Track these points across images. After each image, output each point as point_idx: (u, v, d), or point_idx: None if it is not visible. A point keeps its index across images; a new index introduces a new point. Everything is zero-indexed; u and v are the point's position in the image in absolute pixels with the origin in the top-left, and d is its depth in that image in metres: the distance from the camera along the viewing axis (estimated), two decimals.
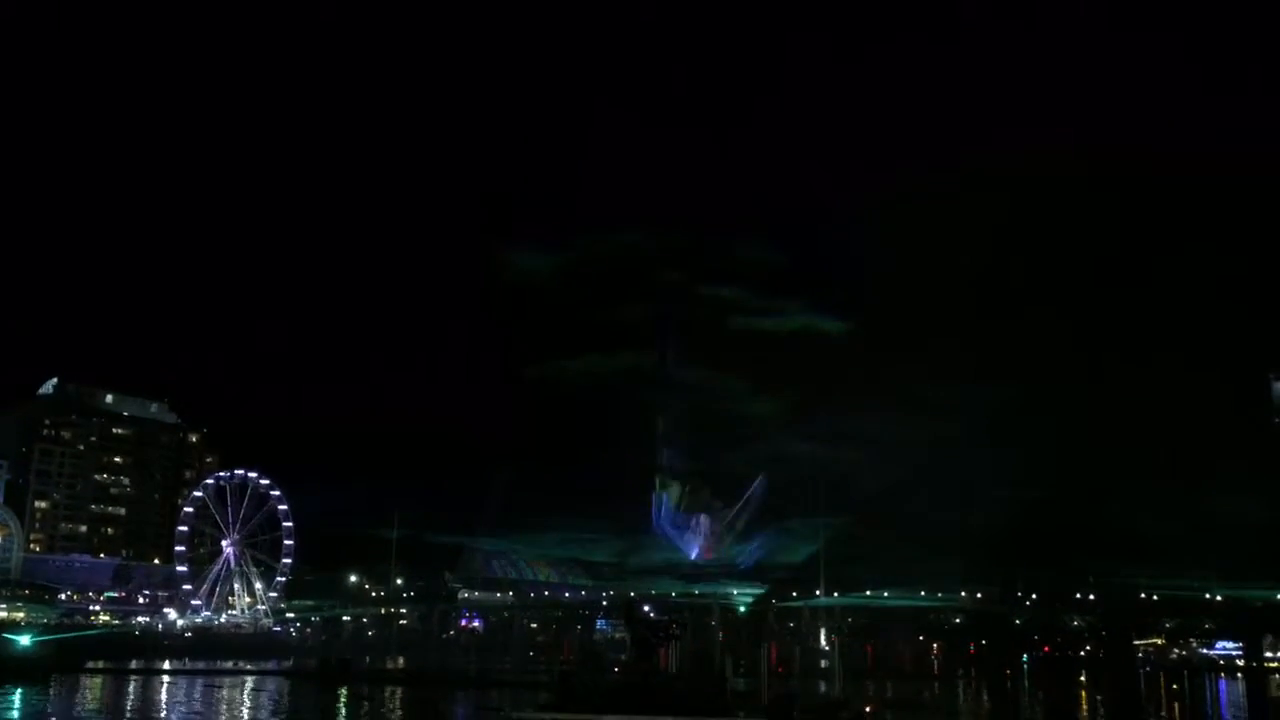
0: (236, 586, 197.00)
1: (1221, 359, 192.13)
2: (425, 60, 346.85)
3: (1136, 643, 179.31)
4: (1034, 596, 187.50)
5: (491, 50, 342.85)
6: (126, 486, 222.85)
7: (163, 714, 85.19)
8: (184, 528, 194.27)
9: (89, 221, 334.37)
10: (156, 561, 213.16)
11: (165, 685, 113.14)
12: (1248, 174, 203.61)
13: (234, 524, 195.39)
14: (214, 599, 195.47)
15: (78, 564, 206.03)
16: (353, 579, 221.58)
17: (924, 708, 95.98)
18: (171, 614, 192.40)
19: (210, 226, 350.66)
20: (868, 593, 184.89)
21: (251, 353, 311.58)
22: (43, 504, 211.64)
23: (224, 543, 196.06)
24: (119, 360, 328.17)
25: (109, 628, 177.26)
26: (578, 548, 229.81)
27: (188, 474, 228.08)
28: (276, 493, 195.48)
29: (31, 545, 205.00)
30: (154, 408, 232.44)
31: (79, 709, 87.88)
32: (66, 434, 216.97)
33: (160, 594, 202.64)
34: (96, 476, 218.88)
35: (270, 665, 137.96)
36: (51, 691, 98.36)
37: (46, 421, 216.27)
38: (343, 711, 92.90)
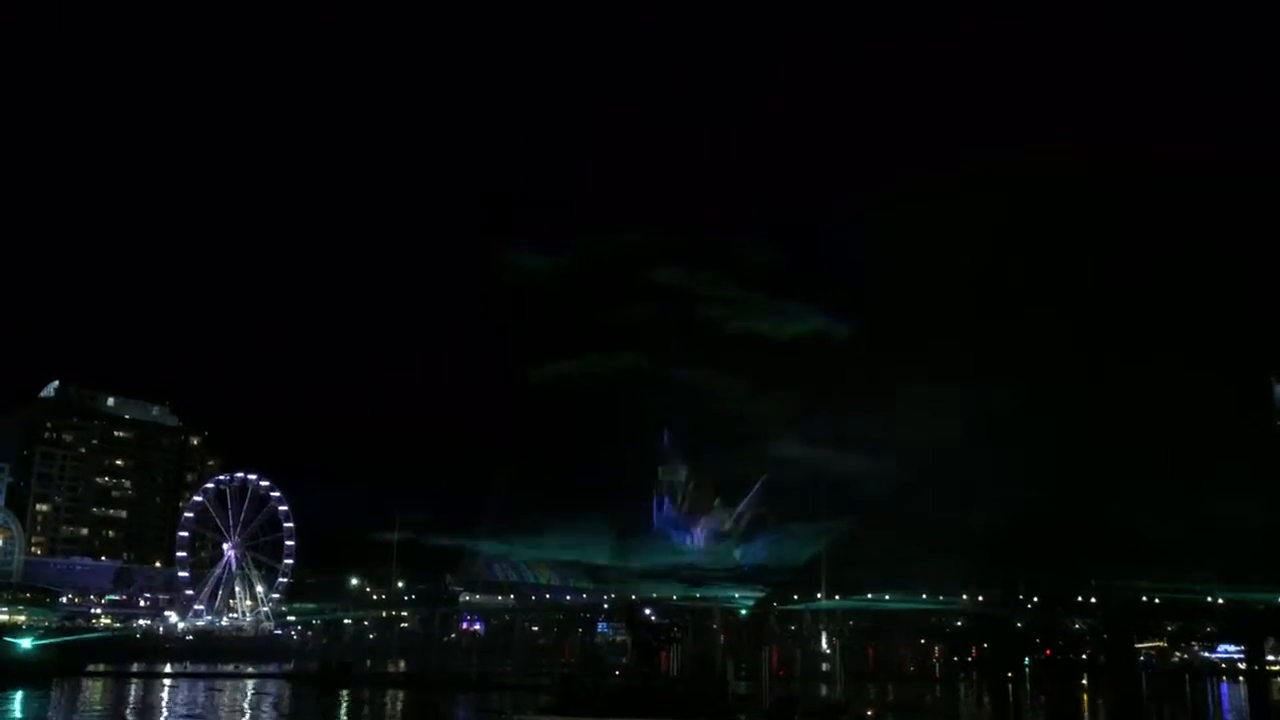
0: (237, 589, 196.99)
1: (1222, 361, 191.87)
2: (425, 60, 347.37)
3: (1138, 646, 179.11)
4: (1035, 599, 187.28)
5: (491, 50, 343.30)
6: (128, 489, 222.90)
7: (164, 717, 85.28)
8: (185, 531, 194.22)
9: (91, 224, 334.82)
10: (158, 564, 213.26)
11: (166, 688, 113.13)
12: (1248, 174, 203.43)
13: (235, 527, 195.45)
14: (215, 602, 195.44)
15: (79, 567, 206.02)
16: (354, 582, 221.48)
17: (925, 711, 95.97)
18: (173, 617, 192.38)
19: (211, 229, 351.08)
20: (869, 596, 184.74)
21: (253, 355, 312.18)
22: (44, 507, 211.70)
23: (225, 546, 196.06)
24: (120, 363, 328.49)
25: (110, 631, 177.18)
26: (579, 550, 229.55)
27: (189, 477, 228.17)
28: (277, 495, 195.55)
29: (33, 548, 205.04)
30: (155, 410, 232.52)
31: (80, 712, 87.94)
32: (68, 437, 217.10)
33: (161, 597, 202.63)
34: (98, 479, 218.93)
35: (271, 668, 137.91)
36: (53, 694, 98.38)
37: (48, 424, 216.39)
38: (344, 714, 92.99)
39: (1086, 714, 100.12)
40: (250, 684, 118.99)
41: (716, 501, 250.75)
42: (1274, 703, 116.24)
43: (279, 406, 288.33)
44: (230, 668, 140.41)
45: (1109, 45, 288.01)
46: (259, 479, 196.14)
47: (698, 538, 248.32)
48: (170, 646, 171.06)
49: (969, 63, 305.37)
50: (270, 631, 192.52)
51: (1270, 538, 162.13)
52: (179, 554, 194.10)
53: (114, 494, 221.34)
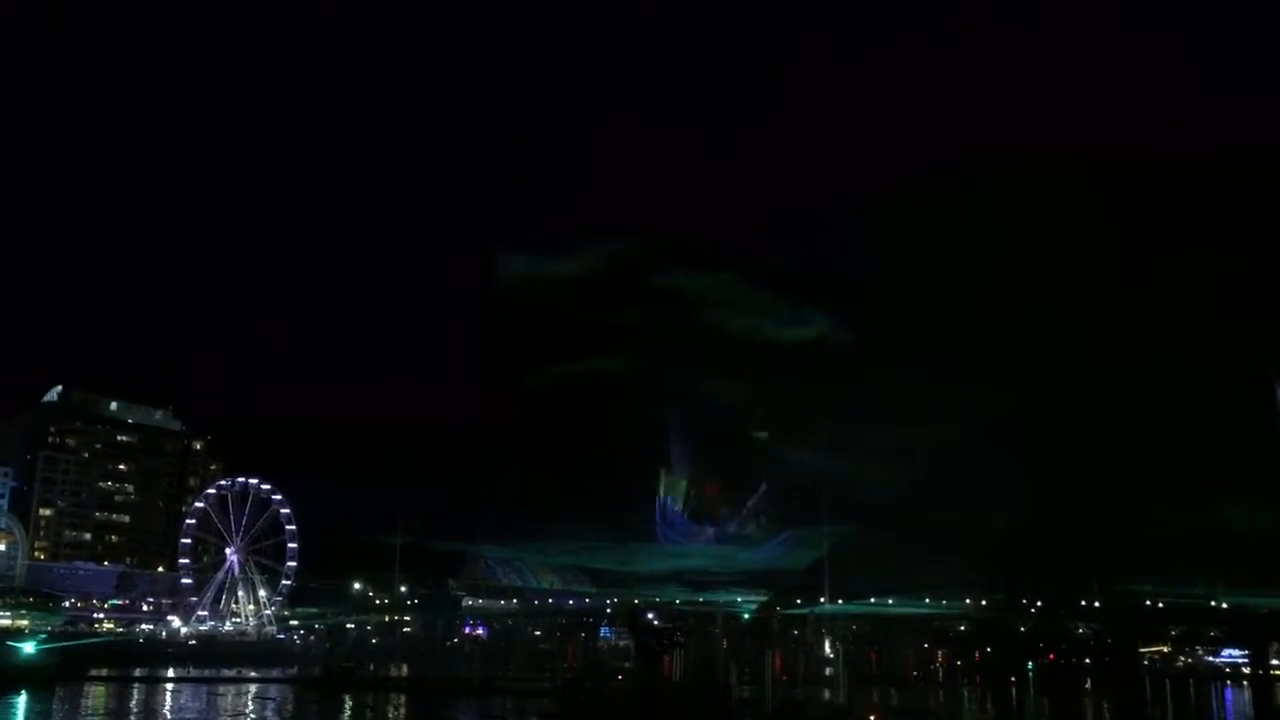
0: (240, 594, 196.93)
1: (1227, 363, 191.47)
2: (425, 62, 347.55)
3: (1142, 650, 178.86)
4: (1038, 604, 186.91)
5: (491, 51, 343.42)
6: (131, 494, 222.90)
7: None
8: (188, 536, 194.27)
9: (94, 229, 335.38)
10: (160, 569, 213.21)
11: (169, 693, 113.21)
12: (1249, 174, 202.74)
13: (238, 531, 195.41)
14: (218, 607, 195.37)
15: (82, 571, 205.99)
16: (356, 586, 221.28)
17: (929, 715, 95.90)
18: (175, 621, 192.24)
19: (213, 233, 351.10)
20: (872, 600, 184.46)
21: (256, 360, 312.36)
22: (47, 511, 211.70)
23: (228, 550, 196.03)
24: (124, 368, 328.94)
25: (113, 635, 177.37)
26: (582, 555, 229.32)
27: (192, 481, 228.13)
28: (280, 499, 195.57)
29: (36, 553, 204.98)
30: (158, 415, 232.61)
31: (83, 716, 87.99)
32: (71, 441, 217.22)
33: (164, 602, 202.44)
34: (101, 484, 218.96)
35: (274, 673, 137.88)
36: (55, 699, 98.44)
37: (51, 429, 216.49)
38: (346, 719, 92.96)
39: (1090, 719, 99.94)
40: (253, 689, 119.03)
41: (720, 506, 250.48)
42: (1278, 707, 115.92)
43: (282, 411, 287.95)
44: (233, 672, 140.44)
45: (1109, 45, 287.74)
46: (262, 483, 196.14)
47: (700, 542, 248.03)
48: (173, 651, 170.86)
49: (969, 63, 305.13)
50: (273, 636, 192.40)
51: (1275, 541, 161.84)
52: (181, 559, 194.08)
53: (117, 498, 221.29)
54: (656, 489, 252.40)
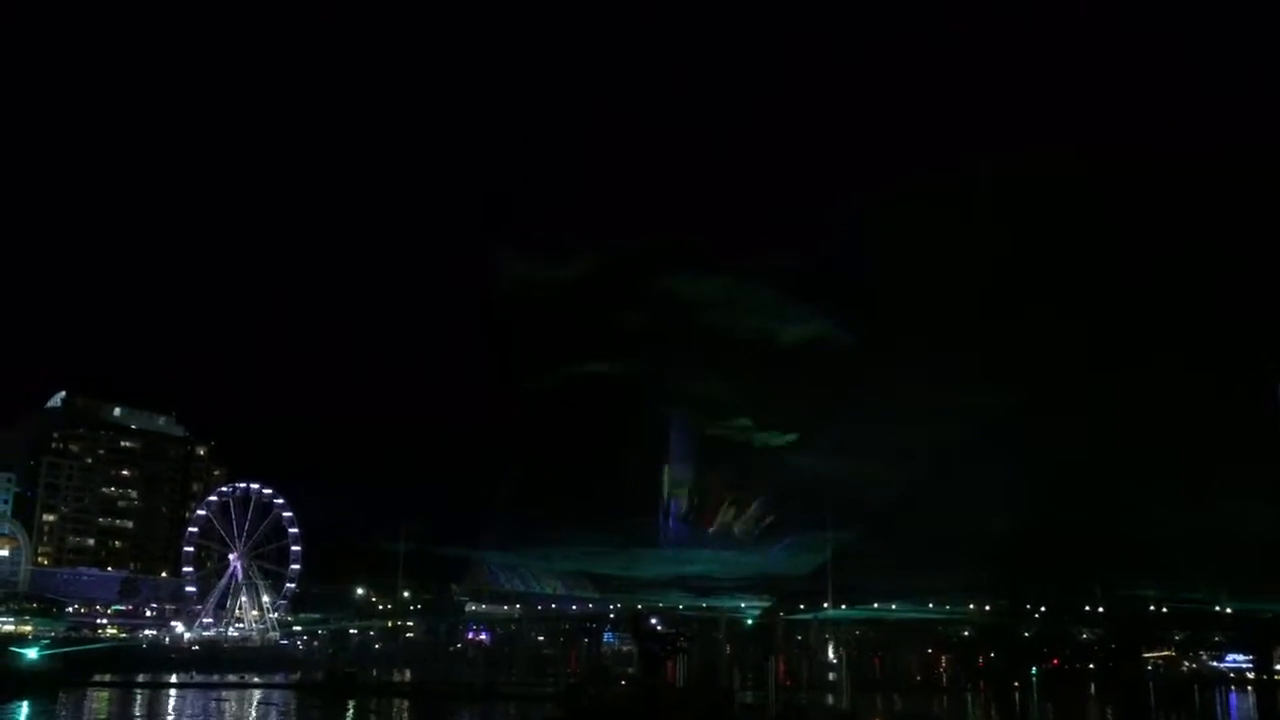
0: (243, 599, 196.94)
1: (1231, 365, 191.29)
2: (425, 62, 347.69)
3: (1146, 655, 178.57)
4: (1042, 609, 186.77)
5: (491, 51, 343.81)
6: (134, 499, 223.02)
7: None
8: (191, 542, 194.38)
9: (96, 234, 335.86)
10: (164, 575, 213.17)
11: (172, 698, 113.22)
12: (1249, 173, 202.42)
13: (241, 537, 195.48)
14: (221, 612, 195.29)
15: (85, 577, 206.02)
16: (359, 592, 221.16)
17: None
18: (178, 627, 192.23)
19: (214, 238, 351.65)
20: (875, 605, 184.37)
21: (258, 365, 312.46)
22: (50, 517, 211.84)
23: (231, 556, 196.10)
24: (127, 373, 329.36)
25: (116, 641, 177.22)
26: (585, 560, 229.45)
27: (195, 487, 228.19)
28: (282, 503, 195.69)
29: (39, 558, 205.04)
30: (161, 420, 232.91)
31: None
32: (74, 447, 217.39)
33: (167, 607, 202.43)
34: (104, 489, 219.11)
35: (277, 678, 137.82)
36: (58, 705, 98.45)
37: (54, 434, 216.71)
38: None
39: None
40: (256, 694, 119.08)
41: (723, 511, 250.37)
42: None
43: (285, 416, 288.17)
44: (236, 678, 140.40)
45: (1109, 45, 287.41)
46: (265, 489, 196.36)
47: (704, 547, 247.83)
48: (176, 657, 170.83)
49: (969, 63, 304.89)
50: (276, 641, 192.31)
51: (1278, 545, 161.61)
52: (185, 564, 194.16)
53: (120, 504, 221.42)
54: (659, 493, 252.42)
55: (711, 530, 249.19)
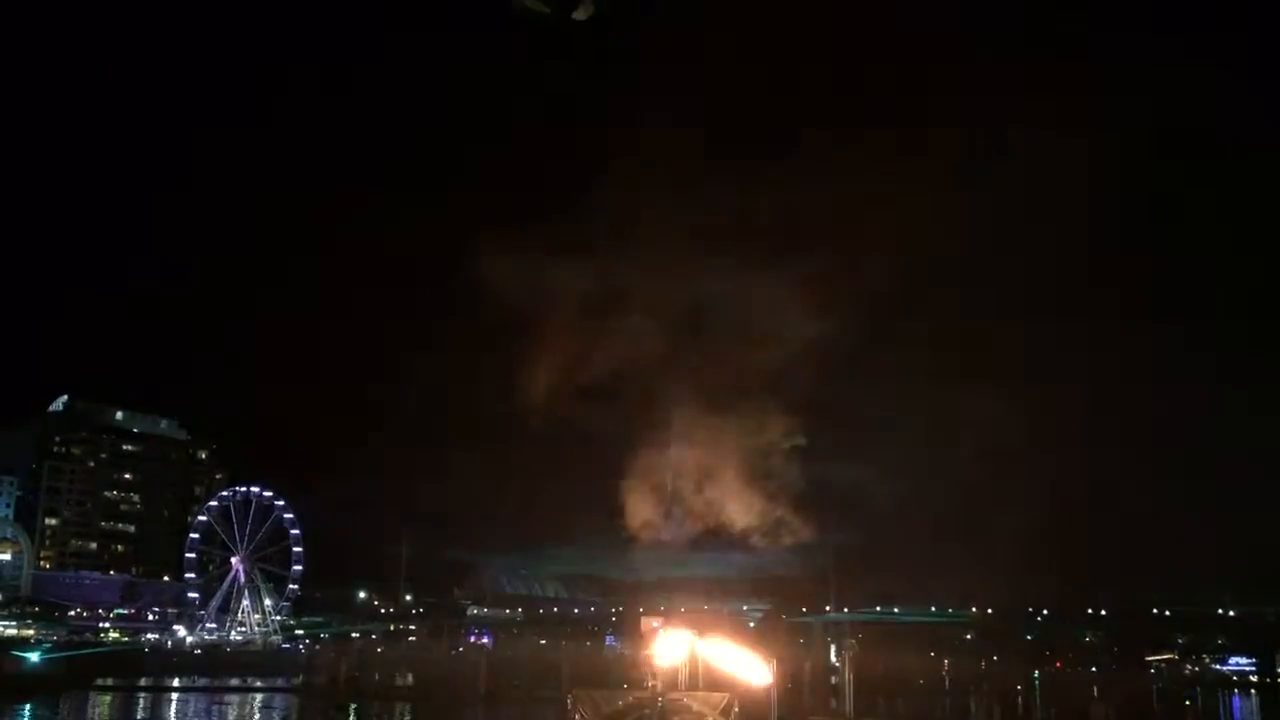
0: (246, 603, 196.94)
1: (1236, 365, 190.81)
2: (425, 64, 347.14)
3: (1149, 659, 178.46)
4: (1045, 612, 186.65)
5: (493, 51, 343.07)
6: (136, 503, 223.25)
7: None
8: (193, 545, 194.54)
9: (99, 238, 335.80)
10: (166, 578, 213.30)
11: (174, 702, 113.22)
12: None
13: (243, 541, 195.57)
14: (223, 616, 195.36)
15: (87, 581, 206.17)
16: (362, 595, 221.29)
17: None
18: (181, 631, 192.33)
19: (215, 241, 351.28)
20: (878, 608, 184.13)
21: (261, 369, 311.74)
22: (53, 521, 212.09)
23: (233, 559, 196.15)
24: (129, 377, 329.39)
25: (118, 645, 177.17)
26: (587, 562, 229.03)
27: (197, 490, 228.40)
28: (284, 506, 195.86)
29: (41, 562, 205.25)
30: (164, 424, 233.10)
31: None
32: (77, 451, 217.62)
33: (169, 611, 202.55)
34: (106, 493, 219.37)
35: (279, 682, 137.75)
36: (60, 708, 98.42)
37: (57, 438, 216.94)
38: None
39: None
40: (258, 698, 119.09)
41: (726, 511, 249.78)
42: None
43: (287, 420, 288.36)
44: (238, 682, 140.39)
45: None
46: (267, 492, 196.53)
47: (706, 548, 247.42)
48: (178, 660, 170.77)
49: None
50: (278, 645, 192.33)
51: None
52: (187, 570, 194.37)
53: (122, 507, 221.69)
54: (662, 494, 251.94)
55: (714, 532, 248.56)
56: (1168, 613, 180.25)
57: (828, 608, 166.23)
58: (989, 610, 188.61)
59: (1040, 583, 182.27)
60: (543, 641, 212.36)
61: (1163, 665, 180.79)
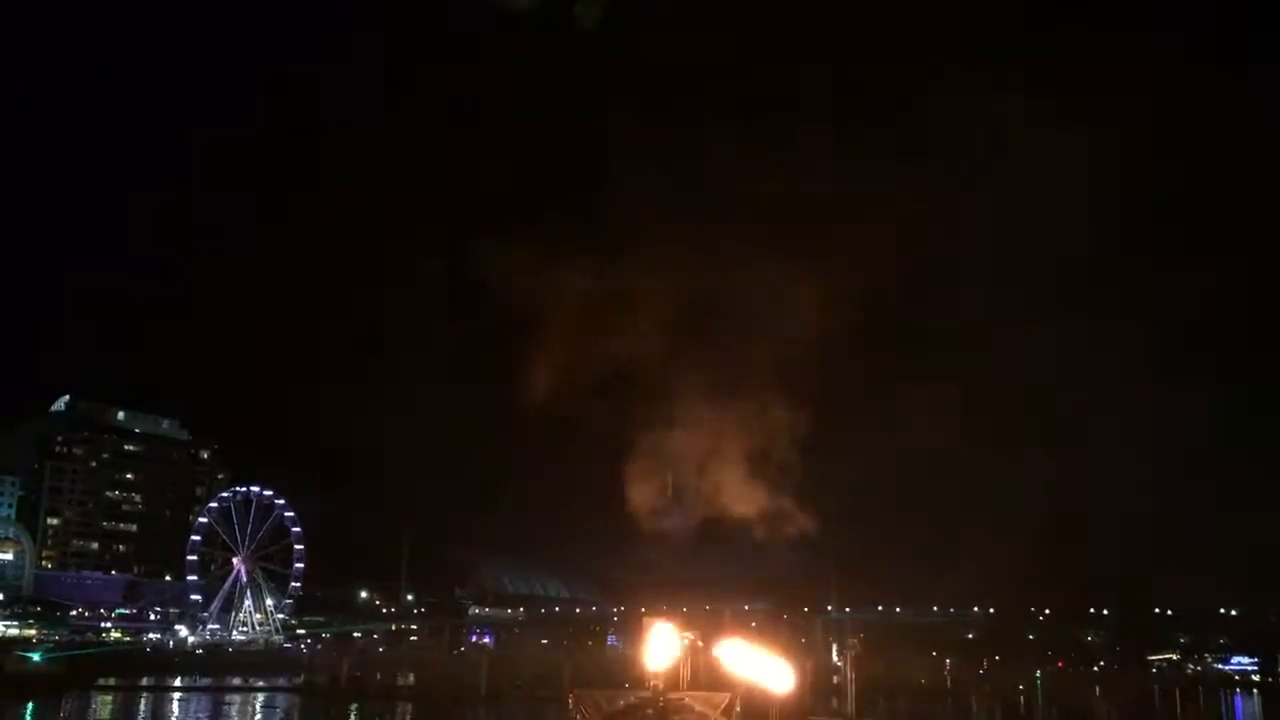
0: (247, 603, 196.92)
1: (1242, 364, 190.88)
2: (423, 62, 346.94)
3: (1151, 658, 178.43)
4: (1047, 611, 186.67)
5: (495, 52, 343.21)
6: (138, 503, 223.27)
7: None
8: (194, 550, 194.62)
9: (100, 238, 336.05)
10: (168, 578, 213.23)
11: (176, 702, 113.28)
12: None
13: (245, 540, 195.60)
14: (225, 616, 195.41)
15: (89, 580, 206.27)
16: (363, 595, 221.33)
17: None
18: (182, 630, 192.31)
19: (215, 241, 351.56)
20: (880, 608, 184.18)
21: (262, 369, 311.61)
22: (54, 520, 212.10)
23: (234, 559, 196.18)
24: (130, 377, 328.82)
25: (120, 644, 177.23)
26: (589, 562, 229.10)
27: (199, 490, 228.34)
28: (287, 508, 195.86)
29: (43, 562, 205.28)
30: (165, 424, 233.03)
31: None
32: (78, 451, 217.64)
33: (171, 610, 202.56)
34: (108, 493, 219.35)
35: (281, 682, 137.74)
36: (63, 708, 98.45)
37: (59, 438, 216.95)
38: None
39: None
40: (260, 697, 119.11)
41: (728, 511, 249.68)
42: None
43: (289, 419, 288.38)
44: (239, 681, 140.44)
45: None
46: (269, 492, 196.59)
47: (708, 548, 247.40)
48: (180, 660, 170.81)
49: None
50: (280, 645, 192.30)
51: None
52: (188, 570, 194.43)
53: (124, 507, 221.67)
54: (664, 494, 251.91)
55: (716, 531, 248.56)
56: (1169, 612, 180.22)
57: (829, 607, 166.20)
58: (991, 610, 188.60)
59: (1042, 583, 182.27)
60: (544, 641, 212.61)
61: (1164, 665, 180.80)
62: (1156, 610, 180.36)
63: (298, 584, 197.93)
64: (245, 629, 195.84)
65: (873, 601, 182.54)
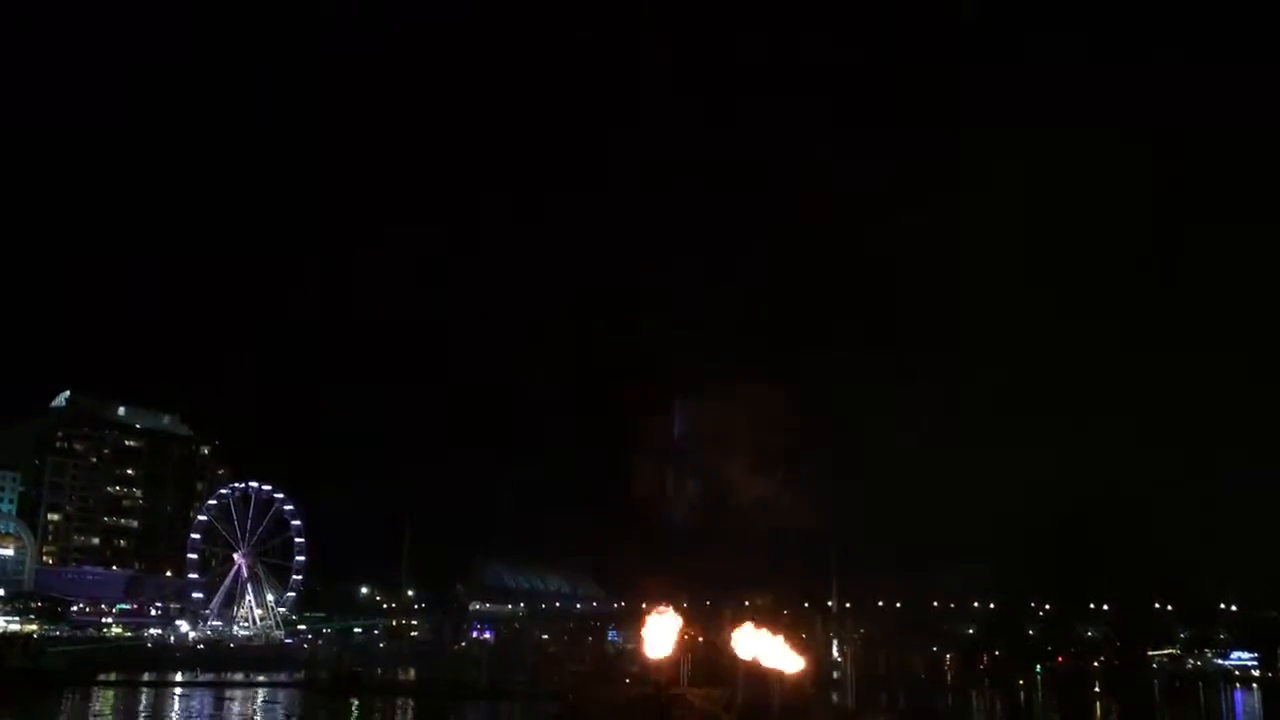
0: (248, 598, 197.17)
1: (1243, 361, 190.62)
2: (416, 59, 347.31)
3: (1151, 653, 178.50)
4: (1047, 606, 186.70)
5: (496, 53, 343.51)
6: (139, 498, 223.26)
7: None
8: (194, 548, 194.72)
9: (100, 234, 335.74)
10: (168, 573, 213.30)
11: (177, 697, 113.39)
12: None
13: (245, 536, 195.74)
14: (226, 611, 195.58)
15: (90, 576, 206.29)
16: (364, 590, 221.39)
17: (938, 718, 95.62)
18: (183, 626, 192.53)
19: (215, 239, 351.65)
20: (880, 603, 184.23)
21: (263, 364, 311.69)
22: (55, 516, 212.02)
23: (235, 555, 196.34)
24: (131, 373, 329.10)
25: (121, 640, 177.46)
26: (589, 558, 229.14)
27: (199, 486, 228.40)
28: (288, 504, 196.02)
29: (44, 557, 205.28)
30: (166, 420, 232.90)
31: None
32: (79, 446, 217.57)
33: (172, 606, 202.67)
34: (109, 489, 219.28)
35: (281, 677, 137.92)
36: (64, 703, 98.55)
37: (59, 434, 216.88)
38: None
39: None
40: (261, 692, 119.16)
41: (729, 506, 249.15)
42: None
43: (289, 416, 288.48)
44: (240, 676, 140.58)
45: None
46: (269, 488, 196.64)
47: (707, 544, 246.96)
48: (181, 655, 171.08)
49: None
50: (280, 640, 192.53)
51: None
52: (189, 568, 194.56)
53: (125, 503, 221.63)
54: (665, 490, 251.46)
55: (715, 527, 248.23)
56: (1169, 607, 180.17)
57: (830, 603, 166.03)
58: (991, 605, 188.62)
59: (1042, 578, 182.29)
60: (545, 636, 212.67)
61: (1165, 660, 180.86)
62: (1156, 605, 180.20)
63: (299, 576, 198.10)
64: (246, 624, 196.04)
65: (873, 596, 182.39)
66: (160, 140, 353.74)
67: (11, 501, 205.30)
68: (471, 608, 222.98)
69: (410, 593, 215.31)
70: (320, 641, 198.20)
